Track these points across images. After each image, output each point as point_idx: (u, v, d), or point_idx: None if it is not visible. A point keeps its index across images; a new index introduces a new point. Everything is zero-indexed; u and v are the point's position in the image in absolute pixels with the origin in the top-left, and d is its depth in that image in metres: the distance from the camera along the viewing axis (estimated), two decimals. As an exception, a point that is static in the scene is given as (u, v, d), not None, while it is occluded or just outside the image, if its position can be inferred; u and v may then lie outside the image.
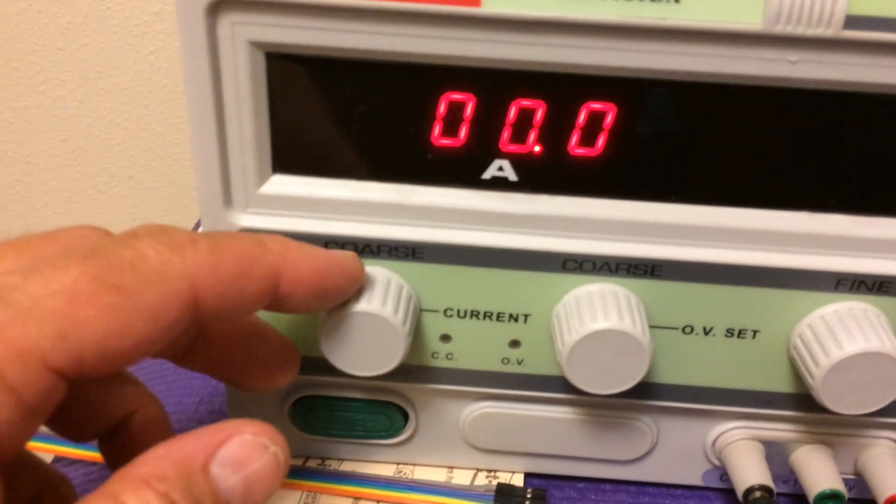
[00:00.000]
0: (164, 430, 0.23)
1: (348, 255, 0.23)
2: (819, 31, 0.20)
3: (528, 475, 0.29)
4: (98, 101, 0.66)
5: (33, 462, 0.22)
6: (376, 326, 0.23)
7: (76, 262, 0.17)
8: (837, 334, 0.23)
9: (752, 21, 0.20)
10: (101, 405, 0.22)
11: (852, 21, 0.20)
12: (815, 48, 0.20)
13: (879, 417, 0.26)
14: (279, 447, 0.18)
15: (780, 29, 0.20)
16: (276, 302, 0.21)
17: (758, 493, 0.26)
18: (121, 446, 0.23)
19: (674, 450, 0.28)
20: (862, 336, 0.23)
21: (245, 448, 0.18)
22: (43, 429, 0.19)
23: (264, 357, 0.24)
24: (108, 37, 0.62)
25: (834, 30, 0.20)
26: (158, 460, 0.17)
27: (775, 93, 0.21)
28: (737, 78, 0.21)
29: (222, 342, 0.24)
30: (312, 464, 0.29)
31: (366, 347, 0.23)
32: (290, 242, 0.21)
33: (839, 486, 0.26)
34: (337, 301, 0.23)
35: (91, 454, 0.29)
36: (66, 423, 0.22)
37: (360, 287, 0.23)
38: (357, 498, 0.28)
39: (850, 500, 0.28)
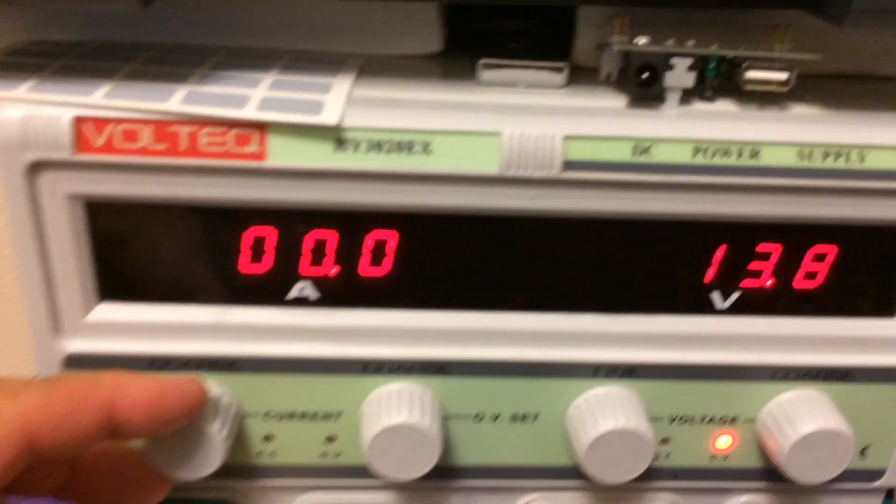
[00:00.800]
0: None
1: (188, 379, 0.25)
2: (544, 174, 0.24)
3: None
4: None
5: None
6: (201, 439, 0.26)
7: None
8: (595, 415, 0.27)
9: (490, 167, 0.24)
10: None
11: (569, 165, 0.24)
12: (543, 186, 0.25)
13: (653, 482, 0.30)
14: None
15: (512, 173, 0.24)
16: (115, 430, 0.23)
17: (550, 557, 0.29)
18: None
19: (486, 523, 0.32)
20: (613, 416, 0.27)
21: None
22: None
23: (136, 479, 0.26)
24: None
25: (556, 172, 0.24)
26: None
27: (525, 220, 0.26)
28: (487, 210, 0.25)
29: (94, 473, 0.25)
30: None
31: (188, 456, 0.26)
32: (125, 374, 0.23)
33: (619, 544, 0.30)
34: (182, 423, 0.25)
35: None
36: None
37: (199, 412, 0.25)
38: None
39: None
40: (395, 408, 0.27)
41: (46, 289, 0.25)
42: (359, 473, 0.29)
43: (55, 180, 0.24)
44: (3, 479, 0.20)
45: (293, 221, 0.26)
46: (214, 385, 0.27)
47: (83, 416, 0.22)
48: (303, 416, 0.28)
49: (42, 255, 0.25)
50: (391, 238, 0.26)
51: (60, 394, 0.21)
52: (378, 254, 0.26)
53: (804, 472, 0.28)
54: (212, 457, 0.26)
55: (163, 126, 0.23)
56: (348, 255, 0.26)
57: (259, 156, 0.24)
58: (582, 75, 0.28)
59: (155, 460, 0.26)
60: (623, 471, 0.28)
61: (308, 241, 0.26)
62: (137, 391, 0.23)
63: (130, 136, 0.23)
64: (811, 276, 0.27)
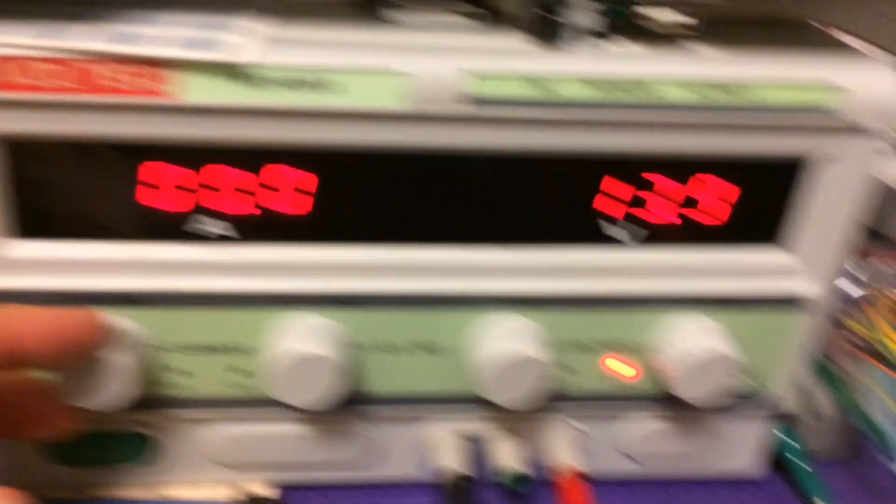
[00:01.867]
0: None
1: (88, 311, 0.26)
2: (452, 110, 0.25)
3: (275, 486, 0.33)
4: None
5: None
6: (110, 370, 0.26)
7: None
8: (496, 343, 0.28)
9: (400, 105, 0.25)
10: None
11: (476, 101, 0.25)
12: (451, 123, 0.25)
13: (553, 408, 0.31)
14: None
15: (421, 109, 0.25)
16: (20, 361, 0.23)
17: (455, 479, 0.31)
18: None
19: (396, 450, 0.32)
20: (510, 343, 0.28)
21: None
22: None
23: (39, 409, 0.27)
24: None
25: (463, 108, 0.25)
26: None
27: (429, 156, 0.26)
28: (394, 147, 0.26)
29: (6, 409, 0.26)
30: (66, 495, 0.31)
31: (100, 387, 0.26)
32: (27, 307, 0.24)
33: (524, 468, 0.31)
34: (84, 354, 0.25)
35: None
36: None
37: (104, 344, 0.26)
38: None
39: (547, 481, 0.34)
40: (302, 339, 0.27)
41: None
42: (272, 405, 0.30)
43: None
44: None
45: (202, 158, 0.26)
46: (125, 319, 0.27)
47: None
48: (214, 349, 0.28)
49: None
50: (300, 175, 0.26)
51: None
52: (286, 191, 0.27)
53: (697, 394, 0.30)
54: (122, 387, 0.26)
55: (74, 63, 0.23)
56: (257, 191, 0.26)
57: (172, 94, 0.24)
58: (489, 18, 0.28)
59: (68, 392, 0.26)
60: (523, 396, 0.29)
61: (216, 178, 0.26)
62: (38, 323, 0.24)
63: (40, 73, 0.23)
64: (702, 208, 0.28)
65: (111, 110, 0.24)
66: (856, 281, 0.37)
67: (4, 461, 0.30)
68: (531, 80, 0.24)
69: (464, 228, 0.28)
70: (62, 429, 0.27)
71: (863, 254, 0.38)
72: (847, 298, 0.37)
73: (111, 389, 0.27)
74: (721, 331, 0.29)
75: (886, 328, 0.36)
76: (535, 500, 0.33)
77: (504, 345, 0.28)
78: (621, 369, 0.31)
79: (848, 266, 0.37)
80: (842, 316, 0.36)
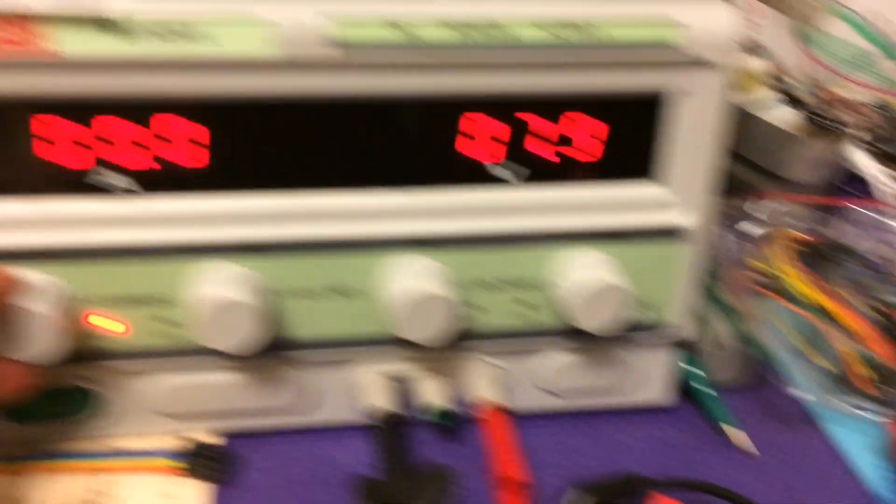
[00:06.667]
0: None
1: None
2: (321, 55, 0.27)
3: (219, 434, 0.35)
4: None
5: None
6: (32, 321, 0.28)
7: None
8: (402, 283, 0.31)
9: (270, 52, 0.27)
10: None
11: (343, 45, 0.27)
12: (321, 70, 0.27)
13: (469, 345, 0.34)
14: None
15: (290, 55, 0.27)
16: None
17: (386, 418, 0.33)
18: None
19: (329, 394, 0.35)
20: (416, 281, 0.30)
21: None
22: None
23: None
24: None
25: (330, 53, 0.27)
26: None
27: (311, 104, 0.28)
28: (272, 95, 0.28)
29: None
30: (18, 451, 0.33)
31: (28, 339, 0.29)
32: None
33: (448, 404, 0.34)
34: None
35: None
36: None
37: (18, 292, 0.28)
38: (53, 472, 0.33)
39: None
40: (220, 287, 0.30)
41: None
42: (204, 353, 0.32)
43: None
44: None
45: (91, 112, 0.28)
46: (38, 273, 0.29)
47: None
48: (139, 301, 0.31)
49: None
50: (191, 126, 0.29)
51: None
52: (181, 142, 0.29)
53: (595, 324, 0.32)
54: (48, 339, 0.29)
55: None
56: (152, 144, 0.29)
57: (50, 48, 0.26)
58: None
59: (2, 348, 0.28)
60: (435, 333, 0.31)
61: (110, 131, 0.28)
62: None
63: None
64: (576, 145, 0.31)
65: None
66: (756, 221, 0.40)
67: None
68: (393, 23, 0.27)
69: (354, 173, 0.30)
70: (19, 388, 0.29)
71: (760, 195, 0.40)
72: (748, 238, 0.40)
73: (38, 341, 0.29)
74: (609, 263, 0.32)
75: (783, 264, 0.38)
76: (463, 436, 0.36)
77: (410, 284, 0.30)
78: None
79: (747, 208, 0.40)
80: (744, 255, 0.39)
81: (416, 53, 0.27)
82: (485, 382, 0.35)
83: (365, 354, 0.34)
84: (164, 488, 0.33)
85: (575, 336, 0.34)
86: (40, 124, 0.28)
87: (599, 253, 0.32)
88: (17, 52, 0.26)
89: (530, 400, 0.36)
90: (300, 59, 0.27)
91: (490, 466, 0.33)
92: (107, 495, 0.32)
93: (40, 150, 0.28)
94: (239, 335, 0.30)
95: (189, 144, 0.29)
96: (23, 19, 0.25)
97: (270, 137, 0.29)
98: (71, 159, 0.29)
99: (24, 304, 0.28)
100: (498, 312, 0.33)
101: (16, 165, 0.29)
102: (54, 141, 0.28)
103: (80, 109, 0.28)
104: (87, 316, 0.31)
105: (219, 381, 0.34)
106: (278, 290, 0.31)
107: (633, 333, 0.34)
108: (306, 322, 0.32)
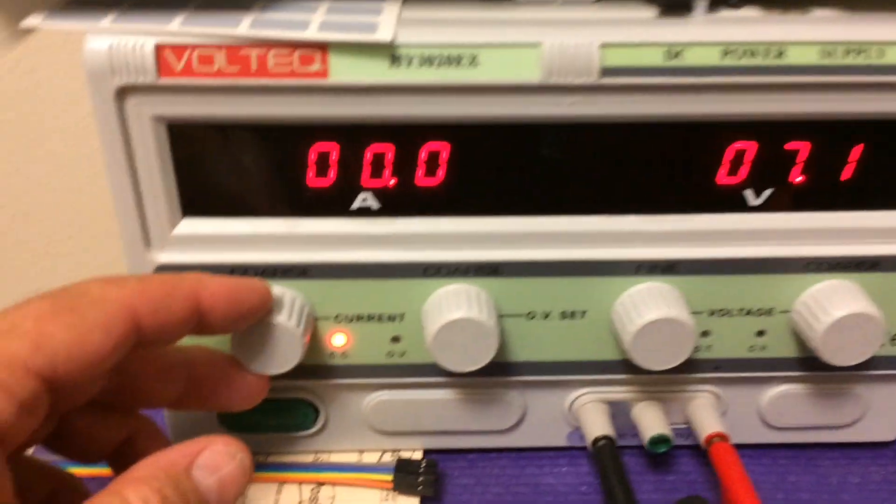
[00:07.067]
0: (163, 443, 0.28)
1: (255, 279, 0.29)
2: (583, 80, 0.26)
3: (426, 451, 0.35)
4: (32, 168, 0.70)
5: (43, 465, 0.26)
6: (280, 333, 0.29)
7: (36, 299, 0.22)
8: (639, 308, 0.30)
9: (532, 76, 0.26)
10: (103, 429, 0.27)
11: (607, 71, 0.26)
12: (583, 93, 0.27)
13: (695, 374, 0.33)
14: (244, 454, 0.23)
15: (553, 81, 0.26)
16: (200, 321, 0.26)
17: (601, 442, 0.32)
18: (129, 462, 0.27)
19: (540, 417, 0.34)
20: (656, 307, 0.29)
21: (217, 456, 0.23)
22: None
23: (240, 383, 0.29)
24: (38, 108, 0.67)
25: (594, 78, 0.26)
26: (150, 466, 0.22)
27: (567, 126, 0.28)
28: (531, 118, 0.27)
29: (207, 380, 0.29)
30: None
31: (271, 351, 0.29)
32: (203, 273, 0.27)
33: (666, 431, 0.33)
34: (252, 319, 0.28)
35: (98, 471, 0.31)
36: (74, 448, 0.26)
37: (270, 306, 0.29)
38: (282, 482, 0.33)
39: (686, 447, 0.35)
40: (454, 305, 0.29)
41: (137, 206, 0.28)
42: (422, 372, 0.32)
43: (141, 104, 0.26)
44: (116, 354, 0.23)
45: (353, 136, 0.28)
46: (288, 288, 0.30)
47: (175, 303, 0.25)
48: (369, 318, 0.31)
49: (132, 175, 0.27)
50: (444, 149, 0.28)
51: (154, 283, 0.24)
52: (432, 164, 0.29)
53: (838, 355, 0.30)
54: (291, 351, 0.29)
55: (234, 50, 0.25)
56: (405, 166, 0.29)
57: (322, 74, 0.26)
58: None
59: (246, 359, 0.29)
60: (667, 358, 0.30)
61: (368, 155, 0.28)
62: (216, 285, 0.26)
63: (206, 60, 0.26)
64: (839, 170, 0.29)
65: (267, 93, 0.26)
66: None
67: (179, 425, 0.33)
68: (661, 46, 0.26)
69: (598, 198, 0.29)
70: (249, 399, 0.30)
71: None
72: None
73: (281, 354, 0.29)
74: (862, 293, 0.30)
75: None
76: (679, 464, 0.35)
77: (650, 309, 0.29)
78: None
79: None
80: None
81: (684, 78, 0.26)
82: (708, 411, 0.33)
83: (585, 378, 0.33)
84: (379, 503, 0.33)
85: (809, 368, 0.32)
86: (308, 149, 0.28)
87: (851, 283, 0.30)
88: (291, 77, 0.26)
89: (748, 432, 0.35)
90: (565, 84, 0.26)
91: (723, 498, 0.31)
92: (326, 509, 0.32)
93: (305, 173, 0.28)
94: (470, 355, 0.30)
95: (438, 166, 0.28)
96: (301, 48, 0.26)
97: (522, 160, 0.29)
98: (320, 180, 0.29)
99: (275, 319, 0.28)
100: (730, 340, 0.32)
101: (281, 188, 0.29)
102: (321, 165, 0.28)
103: (339, 132, 0.28)
104: (328, 332, 0.31)
105: (434, 399, 0.33)
106: (508, 310, 0.31)
107: (873, 367, 0.32)
108: (530, 344, 0.32)
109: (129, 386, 0.27)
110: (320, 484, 0.33)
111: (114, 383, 0.26)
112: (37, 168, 0.70)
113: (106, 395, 0.26)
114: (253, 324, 0.28)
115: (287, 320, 0.28)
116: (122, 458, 0.28)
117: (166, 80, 0.26)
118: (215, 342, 0.29)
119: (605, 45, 0.26)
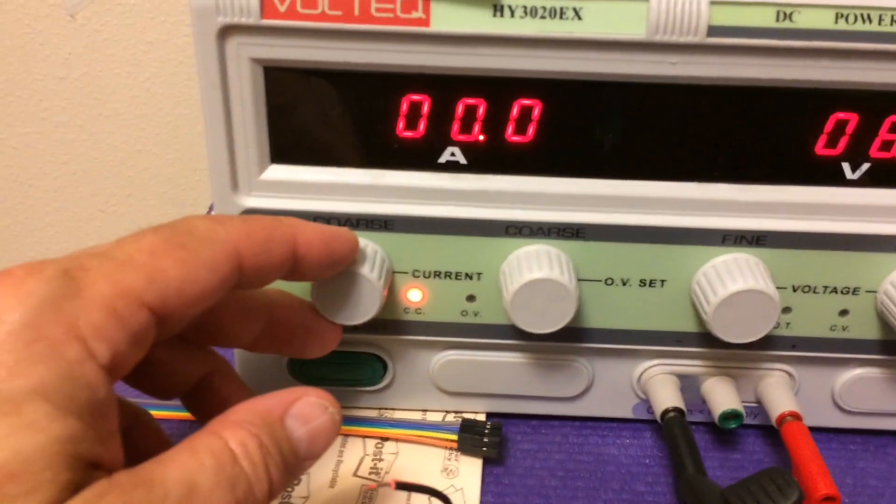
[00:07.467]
0: (238, 384, 0.29)
1: (345, 228, 0.29)
2: (689, 39, 0.26)
3: (489, 414, 0.35)
4: (97, 126, 0.71)
5: (122, 400, 0.26)
6: (361, 284, 0.29)
7: (149, 232, 0.22)
8: (724, 278, 0.29)
9: (637, 32, 0.26)
10: (184, 365, 0.27)
11: (714, 30, 0.26)
12: (687, 52, 0.26)
13: (771, 351, 0.32)
14: (335, 409, 0.24)
15: (659, 38, 0.26)
16: (294, 266, 0.26)
17: (671, 414, 0.32)
18: (204, 401, 0.28)
19: (607, 387, 0.34)
20: (742, 278, 0.29)
21: (310, 407, 0.23)
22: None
23: (317, 329, 0.30)
24: (106, 65, 0.68)
25: (700, 37, 0.26)
26: (247, 411, 0.22)
27: (665, 88, 0.27)
28: (631, 77, 0.27)
29: (286, 323, 0.29)
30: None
31: (351, 302, 0.29)
32: (298, 219, 0.27)
33: (738, 407, 0.32)
34: (341, 266, 0.28)
35: (172, 413, 0.32)
36: (155, 383, 0.27)
37: (356, 257, 0.29)
38: (346, 435, 0.33)
39: (753, 426, 0.34)
40: (535, 265, 0.29)
41: (228, 149, 0.28)
42: (494, 333, 0.32)
43: (241, 44, 0.26)
44: (219, 292, 0.23)
45: (447, 88, 0.28)
46: (369, 240, 0.30)
47: (275, 247, 0.25)
48: (447, 275, 0.31)
49: (226, 117, 0.28)
50: (536, 106, 0.28)
51: (257, 225, 0.25)
52: (523, 121, 0.28)
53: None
54: (371, 303, 0.29)
55: None
56: (495, 122, 0.28)
57: (423, 21, 0.26)
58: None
59: (325, 308, 0.29)
60: (747, 331, 0.29)
61: (459, 109, 0.28)
62: (311, 231, 0.26)
63: (310, 2, 0.26)
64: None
65: (367, 38, 0.26)
66: None
67: (250, 370, 0.33)
68: (773, 7, 0.25)
69: (689, 164, 0.29)
70: (322, 348, 0.30)
71: None
72: None
73: (361, 305, 0.29)
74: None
75: None
76: (745, 442, 0.34)
77: (736, 280, 0.29)
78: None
79: None
80: None
81: (794, 41, 0.26)
82: (782, 389, 0.33)
83: (656, 349, 0.32)
84: (443, 462, 0.33)
85: (891, 352, 0.31)
86: (400, 100, 0.28)
87: (943, 263, 0.29)
88: (392, 24, 0.26)
89: (819, 414, 0.34)
90: (670, 42, 0.26)
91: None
92: (390, 463, 0.32)
93: (395, 125, 0.28)
94: (547, 317, 0.29)
95: (529, 123, 0.28)
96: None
97: (613, 121, 0.28)
98: (424, 136, 0.29)
99: (358, 269, 0.28)
100: (811, 318, 0.31)
101: (370, 139, 0.29)
102: (412, 117, 0.28)
103: (440, 86, 0.28)
104: (404, 287, 0.31)
105: (506, 364, 0.33)
106: (589, 277, 0.30)
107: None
108: (605, 311, 0.31)
109: (213, 323, 0.27)
110: (384, 439, 0.33)
111: (198, 320, 0.26)
112: (100, 126, 0.71)
113: (189, 331, 0.26)
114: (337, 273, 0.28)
115: (370, 272, 0.28)
116: (198, 396, 0.28)
117: (268, 22, 0.26)
118: (295, 289, 0.30)
119: (714, 2, 0.25)
